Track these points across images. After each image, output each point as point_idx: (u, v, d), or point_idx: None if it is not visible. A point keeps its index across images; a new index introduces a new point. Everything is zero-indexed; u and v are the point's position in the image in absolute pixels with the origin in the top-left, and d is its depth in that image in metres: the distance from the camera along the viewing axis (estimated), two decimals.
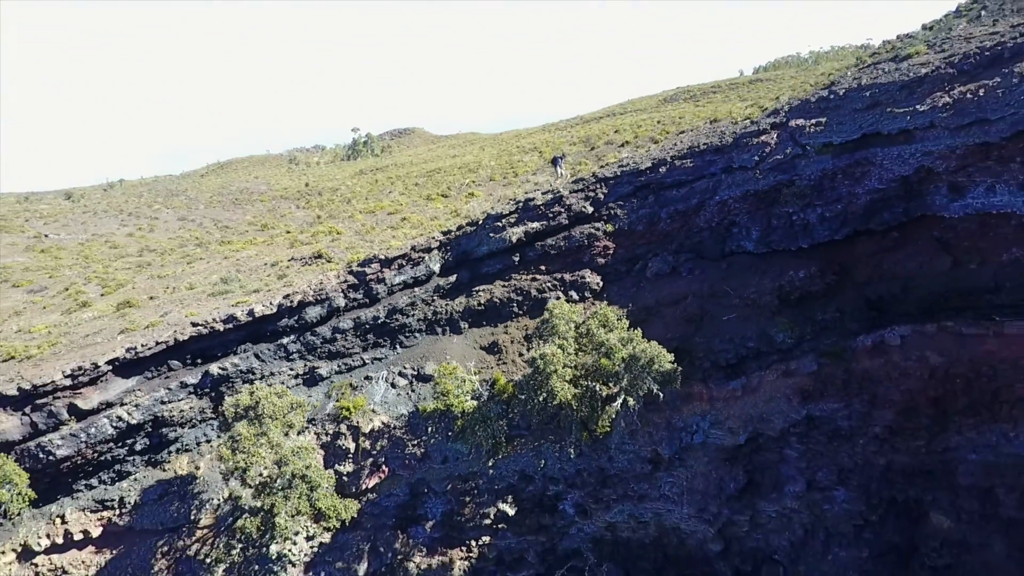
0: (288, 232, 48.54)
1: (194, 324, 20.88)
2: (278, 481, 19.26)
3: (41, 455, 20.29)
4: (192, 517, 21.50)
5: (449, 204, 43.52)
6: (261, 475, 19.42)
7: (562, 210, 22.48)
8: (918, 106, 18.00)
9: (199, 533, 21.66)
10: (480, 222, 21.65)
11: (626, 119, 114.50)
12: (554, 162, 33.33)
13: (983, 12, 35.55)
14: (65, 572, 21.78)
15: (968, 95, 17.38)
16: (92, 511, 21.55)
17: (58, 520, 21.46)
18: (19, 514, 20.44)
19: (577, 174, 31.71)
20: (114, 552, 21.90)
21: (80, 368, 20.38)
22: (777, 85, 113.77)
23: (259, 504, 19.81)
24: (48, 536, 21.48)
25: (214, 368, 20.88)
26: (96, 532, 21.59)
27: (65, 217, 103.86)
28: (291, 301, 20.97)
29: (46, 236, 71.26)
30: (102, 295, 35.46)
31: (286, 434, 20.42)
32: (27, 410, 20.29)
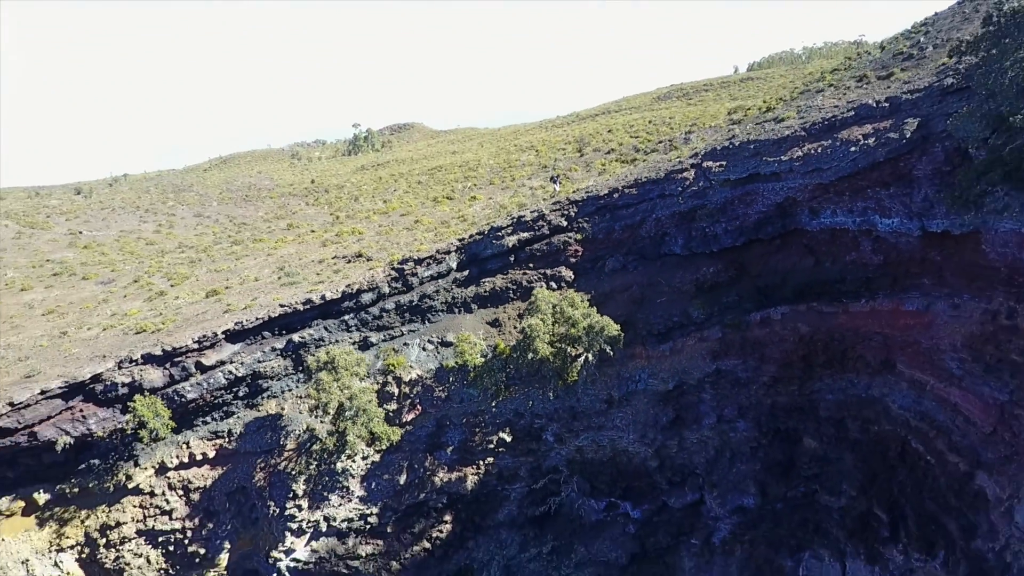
0: (312, 231, 56.27)
1: (281, 305, 28.87)
2: (347, 412, 27.35)
3: (176, 398, 28.13)
4: (280, 443, 29.51)
5: (454, 207, 51.48)
6: (336, 408, 27.52)
7: (544, 224, 30.60)
8: (783, 157, 26.31)
9: (285, 454, 29.67)
10: (486, 232, 29.74)
11: (620, 118, 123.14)
12: (553, 180, 41.44)
13: (917, 48, 44.09)
14: (189, 482, 29.76)
15: (812, 151, 25.74)
16: (208, 439, 29.45)
17: (184, 445, 29.37)
18: (162, 439, 28.29)
19: (569, 183, 40.01)
20: (224, 468, 29.85)
21: (204, 336, 28.20)
22: (767, 83, 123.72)
23: (334, 428, 27.91)
24: (177, 457, 29.40)
25: (296, 337, 28.86)
26: (212, 454, 29.52)
27: (85, 213, 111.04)
28: (351, 288, 29.01)
29: (81, 233, 78.42)
30: (172, 286, 43.13)
31: (351, 382, 28.61)
32: (167, 366, 28.09)
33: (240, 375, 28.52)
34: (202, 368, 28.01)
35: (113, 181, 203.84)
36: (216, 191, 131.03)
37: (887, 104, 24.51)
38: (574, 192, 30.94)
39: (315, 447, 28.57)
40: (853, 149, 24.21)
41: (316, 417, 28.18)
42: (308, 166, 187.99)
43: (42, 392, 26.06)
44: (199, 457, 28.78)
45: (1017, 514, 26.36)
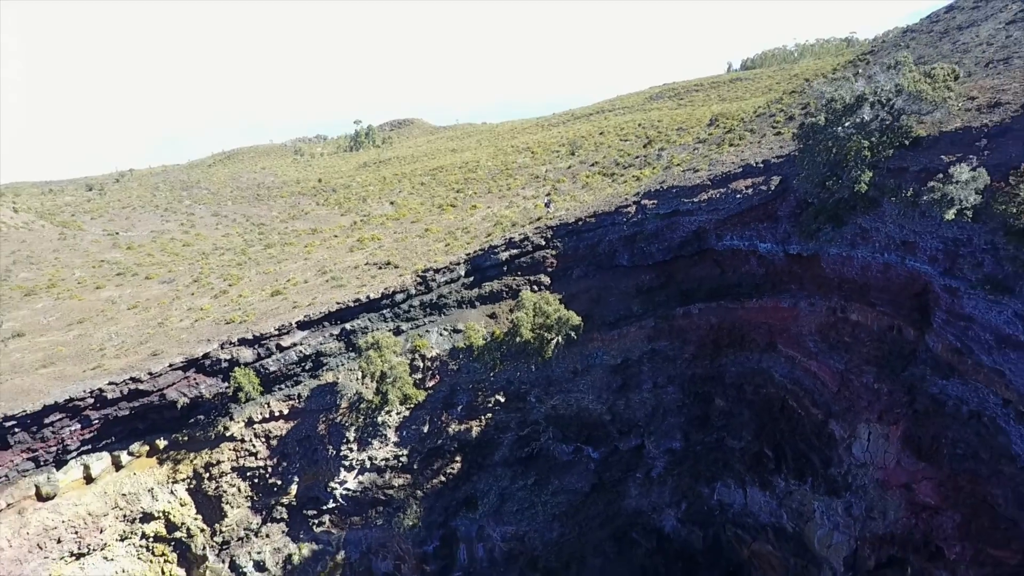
0: (335, 236, 66.19)
1: (338, 303, 39.21)
2: (388, 379, 37.81)
3: (261, 369, 38.26)
4: (336, 403, 39.85)
5: (458, 215, 61.61)
6: (379, 377, 37.97)
7: (529, 243, 41.20)
8: (695, 199, 37.29)
9: (340, 411, 40.03)
10: (486, 249, 40.30)
11: (613, 119, 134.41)
12: (546, 205, 52.04)
13: (857, 73, 56.32)
14: (270, 432, 40.01)
15: (713, 196, 36.79)
16: (283, 400, 39.68)
17: (266, 405, 39.57)
18: (251, 400, 38.44)
19: (559, 199, 50.88)
20: (295, 422, 40.11)
21: (281, 326, 38.36)
22: (754, 84, 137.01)
23: (376, 391, 38.36)
24: (261, 413, 39.62)
25: (347, 326, 39.18)
26: (286, 411, 39.75)
27: (107, 212, 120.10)
28: (388, 290, 39.45)
29: (117, 234, 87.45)
30: (230, 285, 52.93)
31: (390, 357, 39.15)
32: (255, 347, 38.25)
33: (307, 354, 38.82)
34: (280, 348, 38.25)
35: (120, 176, 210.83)
36: (226, 189, 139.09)
37: (762, 165, 35.50)
38: (551, 220, 41.73)
39: (362, 405, 39.03)
40: (739, 196, 35.24)
41: (363, 383, 38.70)
42: (311, 162, 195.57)
43: (170, 365, 36.14)
44: (277, 413, 39.09)
45: (854, 448, 37.80)
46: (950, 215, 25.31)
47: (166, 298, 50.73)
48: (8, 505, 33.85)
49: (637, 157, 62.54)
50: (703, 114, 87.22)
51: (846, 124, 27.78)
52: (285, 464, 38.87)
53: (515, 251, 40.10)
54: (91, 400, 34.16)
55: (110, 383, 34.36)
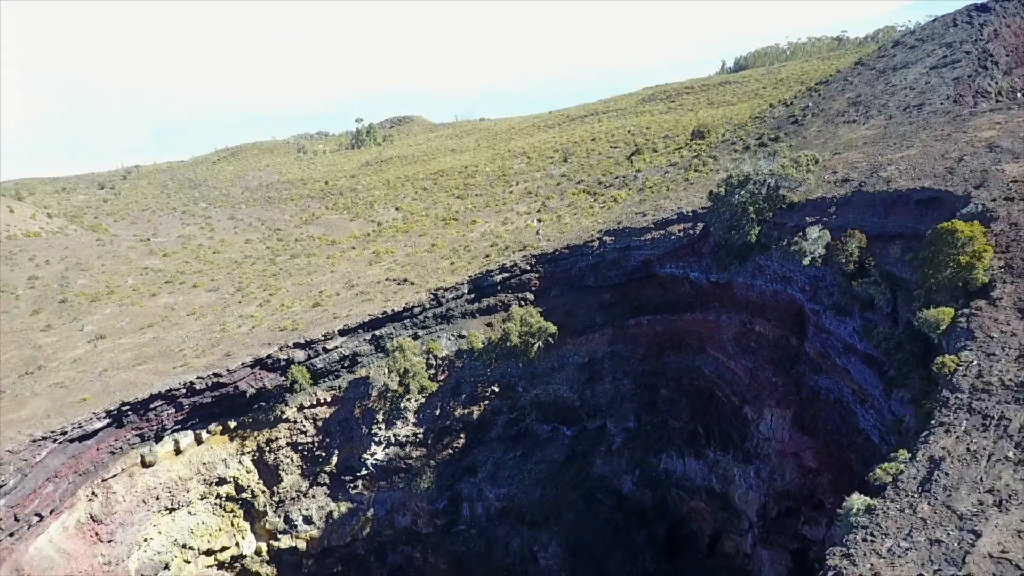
0: (353, 248, 76.58)
1: (369, 315, 50.27)
2: (409, 374, 48.96)
3: (310, 367, 49.06)
4: (368, 392, 50.92)
5: (460, 230, 72.24)
6: (402, 372, 49.12)
7: (517, 268, 52.42)
8: (642, 238, 48.96)
9: (371, 399, 50.95)
10: (484, 273, 51.59)
11: (605, 123, 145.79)
12: (537, 232, 63.14)
13: (806, 110, 69.18)
14: (316, 415, 50.88)
15: (655, 236, 48.43)
16: (327, 391, 50.53)
17: (314, 394, 50.40)
18: (303, 390, 49.34)
19: (547, 216, 62.31)
20: (336, 407, 51.05)
21: (326, 333, 49.18)
22: (742, 87, 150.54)
23: (400, 383, 49.51)
24: (309, 401, 50.55)
25: (377, 332, 50.27)
26: (329, 399, 50.61)
27: (126, 213, 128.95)
28: (408, 304, 50.60)
29: (148, 240, 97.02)
30: (271, 296, 63.36)
31: (411, 356, 50.39)
32: (306, 349, 49.16)
33: (346, 355, 49.74)
34: (325, 350, 49.13)
35: (127, 173, 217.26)
36: (235, 189, 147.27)
37: (691, 213, 47.22)
38: (535, 249, 53.29)
39: (388, 394, 50.12)
40: (674, 237, 46.91)
41: (390, 377, 49.84)
42: (314, 160, 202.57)
43: (242, 364, 47.01)
44: (322, 401, 50.03)
45: (761, 427, 49.84)
46: (806, 261, 37.12)
47: (217, 305, 61.05)
48: (122, 470, 44.57)
49: (617, 177, 74.33)
50: (689, 120, 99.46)
51: (740, 193, 39.51)
52: (328, 440, 49.92)
53: (506, 274, 51.41)
54: (183, 390, 44.86)
55: (199, 377, 45.04)
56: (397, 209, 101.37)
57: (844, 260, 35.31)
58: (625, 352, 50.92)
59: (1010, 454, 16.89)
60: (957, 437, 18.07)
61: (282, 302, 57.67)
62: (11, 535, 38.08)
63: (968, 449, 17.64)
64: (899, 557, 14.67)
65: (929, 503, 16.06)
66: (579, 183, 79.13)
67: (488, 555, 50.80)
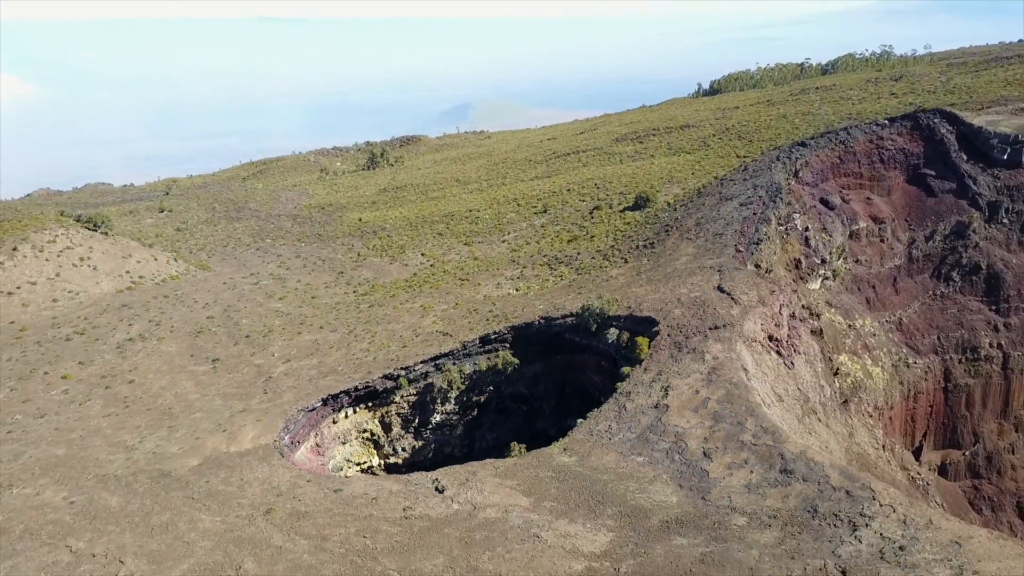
0: (404, 303, 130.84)
1: (432, 354, 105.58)
2: (451, 382, 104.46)
3: (407, 377, 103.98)
4: (432, 389, 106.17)
5: (470, 290, 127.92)
6: (449, 380, 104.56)
7: (502, 331, 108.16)
8: (557, 321, 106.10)
9: (434, 392, 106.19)
10: (487, 333, 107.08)
11: (577, 173, 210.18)
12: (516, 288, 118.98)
13: (670, 226, 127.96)
14: (409, 400, 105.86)
15: (563, 321, 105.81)
16: (414, 389, 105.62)
17: (408, 390, 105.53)
18: (401, 388, 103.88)
19: (526, 285, 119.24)
20: (417, 396, 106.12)
21: (414, 361, 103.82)
22: (698, 131, 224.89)
23: (449, 384, 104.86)
24: (405, 393, 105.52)
25: (437, 361, 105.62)
26: (415, 392, 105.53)
27: (212, 248, 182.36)
28: (451, 348, 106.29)
29: (257, 283, 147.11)
30: (373, 336, 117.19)
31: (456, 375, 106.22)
32: (405, 369, 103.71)
33: (422, 372, 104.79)
34: (414, 369, 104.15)
35: (167, 189, 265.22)
36: (281, 217, 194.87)
37: (577, 310, 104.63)
38: (517, 317, 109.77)
39: (442, 391, 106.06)
40: (569, 322, 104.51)
41: (442, 383, 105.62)
42: (336, 181, 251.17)
43: (378, 376, 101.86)
44: (412, 393, 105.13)
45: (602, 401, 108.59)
46: (611, 340, 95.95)
47: (343, 343, 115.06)
48: (325, 425, 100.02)
49: (567, 255, 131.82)
50: (644, 174, 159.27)
51: (589, 309, 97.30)
52: (413, 412, 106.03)
53: (496, 334, 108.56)
54: (351, 389, 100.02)
55: (359, 384, 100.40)
56: (423, 255, 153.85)
57: (617, 340, 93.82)
58: (549, 371, 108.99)
59: None
60: None
61: (382, 342, 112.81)
62: (289, 449, 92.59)
63: None
64: None
65: None
66: (544, 256, 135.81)
67: None
